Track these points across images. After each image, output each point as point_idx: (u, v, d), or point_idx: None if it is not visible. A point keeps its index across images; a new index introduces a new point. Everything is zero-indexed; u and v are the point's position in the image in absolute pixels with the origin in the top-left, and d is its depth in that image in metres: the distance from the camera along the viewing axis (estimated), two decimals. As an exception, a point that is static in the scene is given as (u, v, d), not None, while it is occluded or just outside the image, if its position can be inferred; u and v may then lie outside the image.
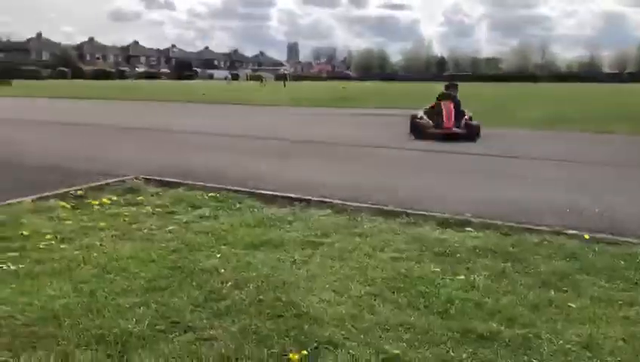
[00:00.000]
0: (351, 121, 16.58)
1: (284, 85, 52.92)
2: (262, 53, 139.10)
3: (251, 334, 2.67)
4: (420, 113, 11.76)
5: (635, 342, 2.63)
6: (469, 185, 6.57)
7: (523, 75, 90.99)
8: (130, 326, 2.71)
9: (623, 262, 3.72)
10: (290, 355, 2.49)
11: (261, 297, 3.07)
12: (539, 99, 29.97)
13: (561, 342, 2.62)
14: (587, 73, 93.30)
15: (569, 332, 2.72)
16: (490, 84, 67.07)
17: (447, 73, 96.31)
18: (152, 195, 5.53)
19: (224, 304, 2.99)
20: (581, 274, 3.51)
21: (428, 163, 8.53)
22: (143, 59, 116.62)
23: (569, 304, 3.05)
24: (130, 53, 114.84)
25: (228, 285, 3.23)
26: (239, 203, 5.23)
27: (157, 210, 4.95)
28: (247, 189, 5.76)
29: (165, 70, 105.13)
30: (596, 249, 4.00)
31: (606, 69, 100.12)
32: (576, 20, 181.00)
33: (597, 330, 2.74)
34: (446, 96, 11.90)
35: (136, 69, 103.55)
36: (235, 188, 5.84)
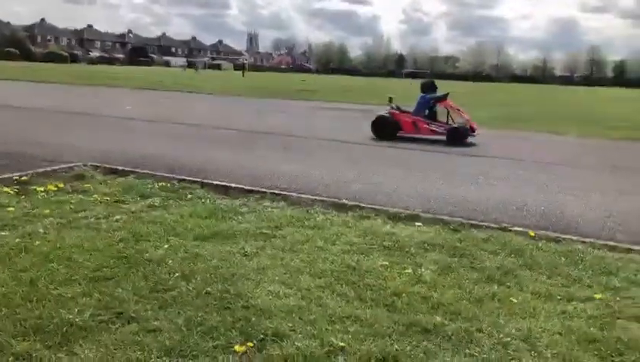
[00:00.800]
0: (310, 113, 16.57)
1: (243, 75, 52.46)
2: (220, 42, 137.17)
3: (197, 326, 2.64)
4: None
5: (571, 335, 2.73)
6: (423, 181, 6.67)
7: (479, 74, 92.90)
8: (71, 316, 2.64)
9: (564, 259, 3.85)
10: (236, 347, 2.48)
11: (209, 289, 3.04)
12: (495, 98, 30.66)
13: (501, 335, 2.70)
14: (540, 75, 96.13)
15: (510, 326, 2.80)
16: (447, 82, 68.17)
17: (406, 70, 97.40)
18: (101, 183, 5.40)
19: (170, 295, 2.95)
20: (524, 269, 3.61)
21: (384, 158, 8.60)
22: (97, 43, 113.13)
23: (511, 299, 3.13)
24: (84, 37, 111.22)
25: (175, 276, 3.18)
26: (190, 193, 5.16)
27: (105, 198, 4.83)
28: (200, 179, 5.69)
29: (120, 55, 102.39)
30: (540, 245, 4.13)
31: (558, 72, 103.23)
32: (531, 23, 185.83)
33: (536, 324, 2.83)
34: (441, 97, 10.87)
35: (90, 53, 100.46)
36: (187, 177, 5.76)
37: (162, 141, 9.06)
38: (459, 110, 10.74)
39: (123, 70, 53.54)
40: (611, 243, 4.36)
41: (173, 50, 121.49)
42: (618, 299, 3.21)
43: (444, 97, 10.82)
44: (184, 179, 5.68)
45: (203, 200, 4.94)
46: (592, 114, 19.89)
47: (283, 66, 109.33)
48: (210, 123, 12.07)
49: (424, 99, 10.84)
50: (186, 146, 8.55)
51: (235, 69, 76.37)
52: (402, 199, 5.59)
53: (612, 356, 2.57)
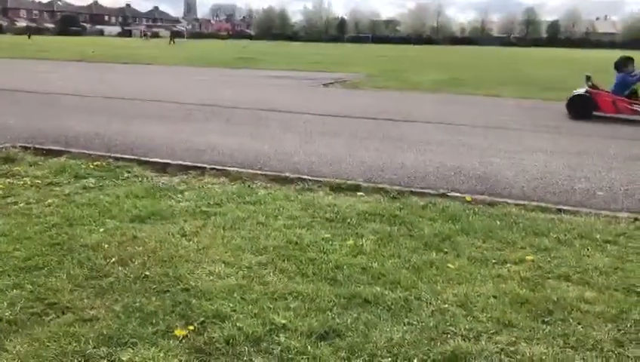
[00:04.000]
0: (251, 82, 16.31)
1: (172, 42, 51.19)
2: (156, 9, 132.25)
3: (135, 312, 2.59)
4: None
5: (505, 298, 2.84)
6: (363, 149, 6.71)
7: (420, 37, 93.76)
8: (0, 310, 2.53)
9: (498, 223, 3.98)
10: (176, 331, 2.45)
11: (147, 273, 2.98)
12: (434, 61, 31.04)
13: (439, 302, 2.78)
14: (478, 37, 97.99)
15: (447, 292, 2.89)
16: (389, 46, 68.43)
17: (349, 35, 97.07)
18: (31, 165, 5.16)
19: (107, 281, 2.87)
20: (461, 235, 3.72)
21: (325, 127, 8.58)
22: (22, 12, 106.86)
23: (448, 265, 3.22)
24: (7, 6, 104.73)
25: (111, 261, 3.10)
26: (127, 172, 5.01)
27: (36, 181, 4.63)
28: (137, 157, 5.53)
29: (50, 25, 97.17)
30: (476, 210, 4.26)
31: (495, 33, 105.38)
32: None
33: (472, 289, 2.92)
34: None
35: (16, 23, 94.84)
36: (124, 156, 5.59)
37: (98, 117, 8.72)
38: None
39: (53, 40, 50.95)
40: (543, 204, 4.54)
41: (106, 18, 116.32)
42: (548, 259, 3.36)
43: None
44: (121, 158, 5.51)
45: (140, 179, 4.81)
46: (528, 76, 20.45)
47: (222, 33, 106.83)
48: (148, 96, 11.69)
49: (627, 79, 9.99)
50: (122, 122, 8.26)
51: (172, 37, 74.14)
52: (344, 169, 5.62)
53: (542, 315, 2.69)
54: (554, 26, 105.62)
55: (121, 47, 39.83)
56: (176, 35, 61.99)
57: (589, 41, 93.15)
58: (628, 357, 2.36)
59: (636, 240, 3.74)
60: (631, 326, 2.60)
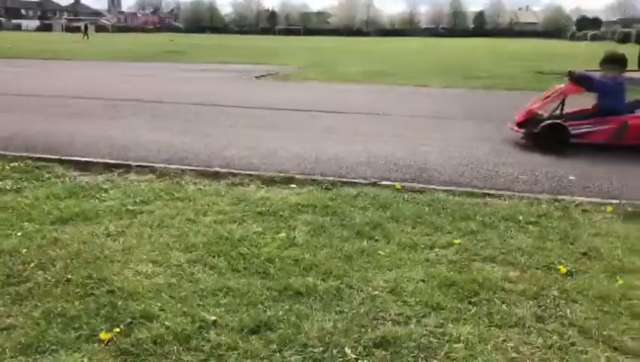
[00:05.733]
0: (179, 76, 15.93)
1: (87, 37, 48.98)
2: (78, 2, 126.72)
3: (57, 317, 2.47)
4: None
5: (433, 281, 2.91)
6: (296, 141, 6.69)
7: (351, 29, 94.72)
8: None
9: (427, 208, 4.07)
10: (101, 334, 2.36)
11: (69, 276, 2.85)
12: (364, 53, 31.42)
13: (370, 289, 2.81)
14: (408, 28, 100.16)
15: (378, 278, 2.93)
16: (320, 38, 68.72)
17: (280, 27, 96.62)
18: (-60, 169, 4.82)
19: (25, 287, 2.73)
20: (391, 222, 3.78)
21: (257, 120, 8.49)
22: None
23: (379, 252, 3.27)
24: None
25: (31, 266, 2.94)
26: (48, 172, 4.78)
27: (-55, 186, 4.33)
28: (58, 156, 5.28)
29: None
30: (406, 197, 4.34)
31: (423, 24, 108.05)
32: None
33: (402, 274, 2.98)
34: None
35: None
36: (44, 155, 5.32)
37: (16, 116, 8.26)
38: None
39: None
40: (470, 189, 4.69)
41: (23, 12, 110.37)
42: (475, 242, 3.47)
43: None
44: (40, 158, 5.24)
45: (62, 180, 4.59)
46: (456, 65, 21.05)
47: (150, 27, 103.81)
48: (71, 93, 11.18)
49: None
50: (43, 120, 7.87)
51: (95, 31, 71.18)
52: (277, 162, 5.59)
53: (469, 296, 2.77)
54: (480, 16, 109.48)
55: (41, 42, 37.91)
56: (87, 28, 58.85)
57: (513, 31, 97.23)
58: (547, 331, 2.47)
59: (556, 220, 3.92)
60: (550, 301, 2.73)
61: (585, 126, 6.30)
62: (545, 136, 6.33)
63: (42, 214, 3.72)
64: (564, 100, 6.60)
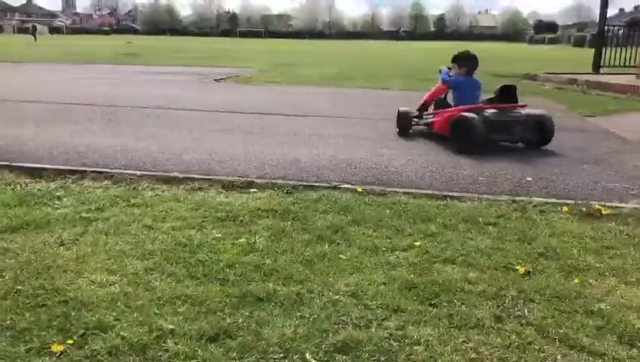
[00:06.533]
0: (137, 79, 15.63)
1: (35, 39, 47.56)
2: (30, 2, 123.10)
3: (5, 331, 2.37)
4: None
5: (394, 284, 2.91)
6: (256, 145, 6.64)
7: (313, 32, 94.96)
8: None
9: (388, 211, 4.09)
10: (53, 347, 2.27)
11: (19, 287, 2.73)
12: (326, 56, 31.52)
13: (331, 293, 2.79)
14: (369, 31, 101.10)
15: (339, 283, 2.91)
16: (281, 40, 68.64)
17: (241, 29, 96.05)
18: None
19: (-30, 301, 2.60)
20: (353, 226, 3.77)
21: (217, 124, 8.39)
22: None
23: (340, 256, 3.25)
24: None
25: (-23, 278, 2.81)
26: (-4, 179, 4.59)
27: None
28: (7, 163, 5.09)
29: None
30: (367, 200, 4.34)
31: (385, 27, 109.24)
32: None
33: (363, 278, 2.97)
34: None
35: None
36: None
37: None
38: None
39: None
40: (430, 191, 4.72)
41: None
42: (435, 244, 3.50)
43: None
44: (-13, 164, 5.04)
45: (12, 187, 4.42)
46: (416, 68, 21.31)
47: (106, 28, 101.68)
48: (22, 97, 10.83)
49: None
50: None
51: (49, 32, 69.22)
52: (237, 166, 5.53)
53: (429, 298, 2.78)
54: (441, 20, 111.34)
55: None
56: (36, 29, 56.99)
57: (473, 34, 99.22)
58: (506, 331, 2.50)
59: (514, 220, 3.99)
60: (509, 302, 2.77)
61: (430, 116, 7.48)
62: (397, 119, 7.65)
63: (-10, 223, 3.57)
64: (445, 95, 7.61)
